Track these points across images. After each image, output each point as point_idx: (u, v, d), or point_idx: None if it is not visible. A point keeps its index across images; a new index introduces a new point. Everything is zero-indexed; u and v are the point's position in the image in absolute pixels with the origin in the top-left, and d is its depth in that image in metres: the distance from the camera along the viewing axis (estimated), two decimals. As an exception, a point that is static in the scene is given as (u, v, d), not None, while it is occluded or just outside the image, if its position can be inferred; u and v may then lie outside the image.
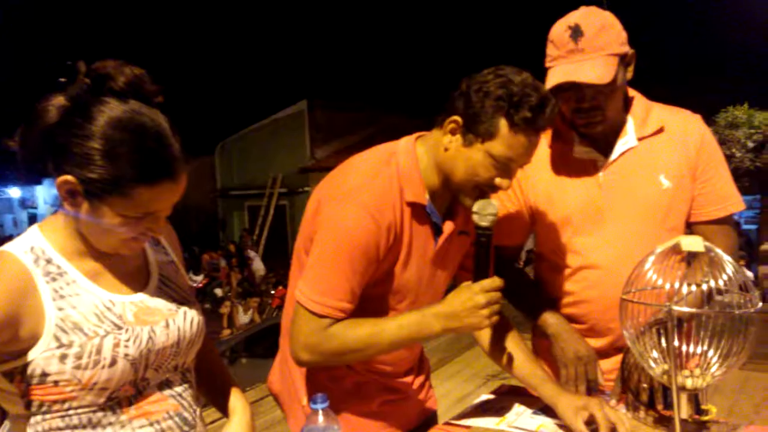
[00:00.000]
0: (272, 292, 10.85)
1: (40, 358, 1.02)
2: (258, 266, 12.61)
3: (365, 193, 1.33)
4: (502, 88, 1.26)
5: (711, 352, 1.30)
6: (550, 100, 1.31)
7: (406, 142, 1.43)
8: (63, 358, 1.03)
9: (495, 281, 1.31)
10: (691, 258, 1.37)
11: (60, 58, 1.06)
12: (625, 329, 1.35)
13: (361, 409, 1.49)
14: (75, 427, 1.07)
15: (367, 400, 1.51)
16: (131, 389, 1.11)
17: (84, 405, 1.06)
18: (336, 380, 1.47)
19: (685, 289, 1.28)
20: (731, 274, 1.28)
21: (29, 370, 1.03)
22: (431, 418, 1.67)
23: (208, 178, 17.84)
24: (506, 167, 1.33)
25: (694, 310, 1.28)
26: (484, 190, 1.36)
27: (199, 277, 11.81)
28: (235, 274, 12.05)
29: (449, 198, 1.45)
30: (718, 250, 1.30)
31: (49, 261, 1.08)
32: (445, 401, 5.01)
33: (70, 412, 1.06)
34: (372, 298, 1.40)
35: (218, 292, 11.12)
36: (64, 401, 1.05)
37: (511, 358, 1.53)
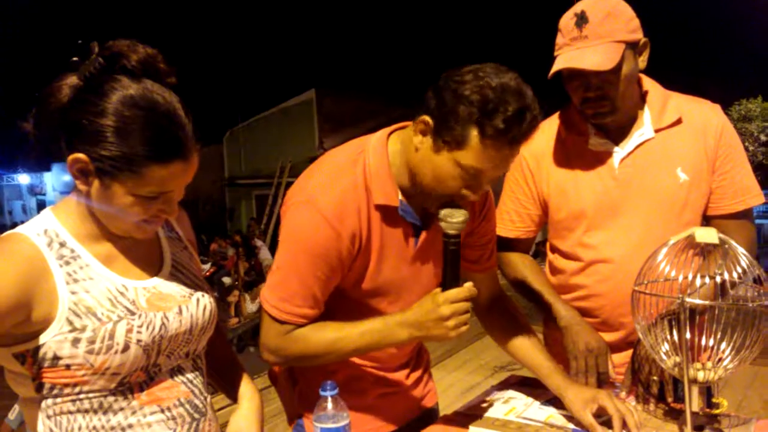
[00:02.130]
0: (279, 281, 10.81)
1: (52, 341, 1.03)
2: (265, 255, 12.59)
3: (324, 199, 1.27)
4: (477, 93, 1.14)
5: (723, 345, 1.28)
6: (530, 110, 1.16)
7: (377, 138, 1.35)
8: (75, 342, 1.03)
9: (461, 291, 1.24)
10: (705, 251, 1.36)
11: (68, 42, 1.06)
12: (637, 321, 1.34)
13: (355, 402, 1.44)
14: (86, 411, 1.07)
15: (360, 393, 1.49)
16: (143, 375, 1.11)
17: (95, 389, 1.07)
18: (329, 374, 1.44)
19: (698, 282, 1.27)
20: (746, 267, 1.27)
21: (41, 353, 1.03)
22: (430, 412, 1.64)
23: (216, 166, 17.87)
24: (475, 178, 1.22)
25: (707, 302, 1.27)
26: (452, 199, 1.27)
27: (207, 266, 11.82)
28: (242, 263, 12.07)
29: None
30: (733, 243, 1.29)
31: (62, 244, 1.08)
32: (451, 392, 5.02)
33: (81, 396, 1.07)
34: (351, 299, 1.38)
35: (226, 280, 11.13)
36: (75, 385, 1.06)
37: (520, 349, 1.52)
